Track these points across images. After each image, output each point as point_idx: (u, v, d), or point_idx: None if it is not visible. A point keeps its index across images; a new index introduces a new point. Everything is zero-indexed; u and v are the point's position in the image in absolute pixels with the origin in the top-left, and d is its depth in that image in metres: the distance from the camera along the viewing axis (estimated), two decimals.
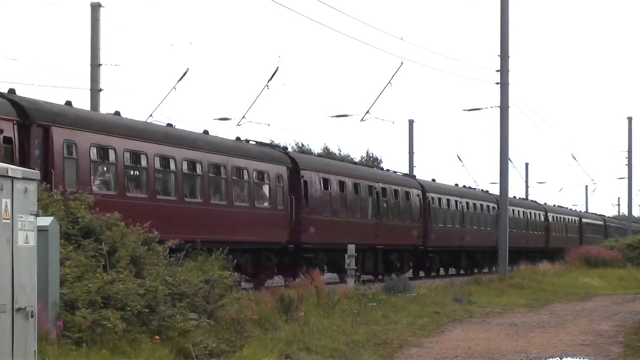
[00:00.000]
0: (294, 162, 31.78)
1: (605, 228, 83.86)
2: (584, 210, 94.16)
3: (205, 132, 28.62)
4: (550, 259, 56.43)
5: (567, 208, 76.12)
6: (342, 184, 34.75)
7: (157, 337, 13.58)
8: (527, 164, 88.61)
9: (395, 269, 37.98)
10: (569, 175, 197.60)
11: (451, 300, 26.99)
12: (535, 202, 65.33)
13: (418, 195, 41.82)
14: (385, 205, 38.16)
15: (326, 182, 33.45)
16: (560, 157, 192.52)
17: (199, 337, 14.10)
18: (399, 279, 29.89)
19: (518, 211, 56.27)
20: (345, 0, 37.88)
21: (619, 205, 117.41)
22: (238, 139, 30.32)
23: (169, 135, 25.74)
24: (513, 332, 19.84)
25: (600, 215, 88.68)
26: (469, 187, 53.64)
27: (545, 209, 63.88)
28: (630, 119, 71.91)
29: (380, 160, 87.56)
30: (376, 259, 36.67)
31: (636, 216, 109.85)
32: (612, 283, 40.37)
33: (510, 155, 40.03)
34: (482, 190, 55.64)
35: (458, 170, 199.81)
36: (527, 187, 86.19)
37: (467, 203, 48.48)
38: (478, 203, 50.35)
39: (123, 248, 15.02)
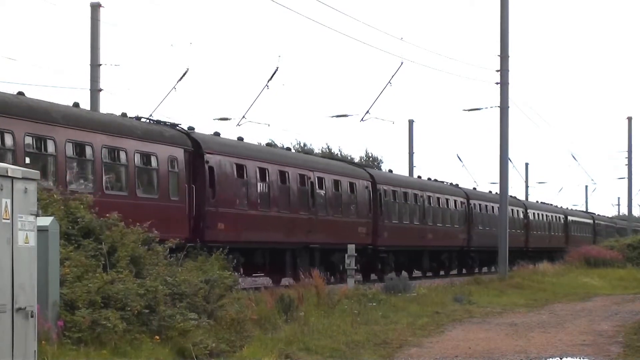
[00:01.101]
0: (195, 144, 26.51)
1: (594, 227, 79.35)
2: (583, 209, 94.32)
3: (76, 105, 23.97)
4: (530, 259, 54.51)
5: (551, 205, 71.40)
6: (263, 172, 29.61)
7: (157, 337, 13.58)
8: (527, 164, 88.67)
9: (338, 271, 33.29)
10: (569, 175, 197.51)
11: (451, 300, 26.99)
12: (515, 197, 60.15)
13: (367, 187, 36.97)
14: (322, 197, 33.23)
15: (241, 168, 28.34)
16: (560, 157, 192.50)
17: (199, 337, 14.10)
18: (398, 278, 29.85)
19: (493, 207, 51.79)
20: (345, 0, 37.90)
21: (619, 205, 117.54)
22: (124, 115, 25.48)
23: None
24: (513, 332, 19.84)
25: (589, 213, 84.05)
26: (435, 180, 48.92)
27: (525, 205, 60.29)
28: (630, 119, 71.92)
29: (381, 160, 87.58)
30: (312, 259, 31.49)
31: (636, 216, 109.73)
32: (612, 283, 40.37)
33: (510, 155, 40.09)
34: (451, 183, 51.43)
35: (458, 170, 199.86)
36: (527, 187, 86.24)
37: (430, 197, 43.74)
38: (443, 197, 45.59)
39: (123, 248, 15.02)
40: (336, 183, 34.60)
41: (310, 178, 32.49)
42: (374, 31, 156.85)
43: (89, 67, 34.45)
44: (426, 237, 42.41)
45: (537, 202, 68.23)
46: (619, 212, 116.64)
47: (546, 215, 63.64)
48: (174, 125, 26.88)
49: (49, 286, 12.30)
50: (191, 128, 27.51)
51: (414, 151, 61.25)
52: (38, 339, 10.57)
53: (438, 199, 44.83)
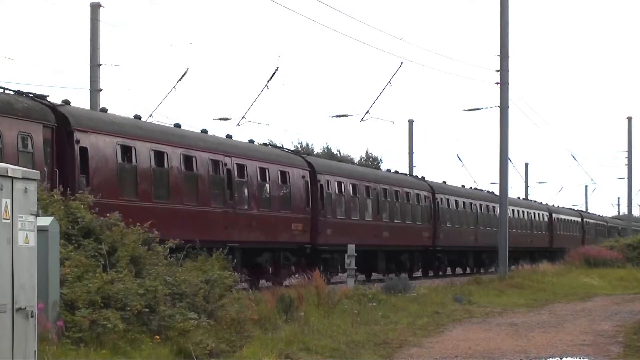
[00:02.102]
0: (63, 119, 21.75)
1: (583, 225, 73.65)
2: (584, 209, 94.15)
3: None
4: (510, 260, 52.18)
5: (534, 201, 67.11)
6: (160, 156, 24.75)
7: (157, 337, 13.58)
8: (527, 164, 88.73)
9: (267, 273, 29.77)
10: (569, 175, 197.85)
11: (451, 300, 26.99)
12: (492, 193, 55.86)
13: (304, 177, 32.22)
14: (243, 188, 28.34)
15: (128, 151, 23.68)
16: (560, 157, 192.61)
17: (199, 337, 14.10)
18: (398, 278, 29.85)
19: (463, 202, 48.28)
20: (345, 0, 37.90)
21: (618, 205, 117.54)
22: None
23: None
24: (513, 332, 19.84)
25: (577, 210, 78.51)
26: (396, 172, 44.42)
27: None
28: (630, 119, 71.92)
29: (381, 160, 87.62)
30: (233, 258, 24.33)
31: (636, 216, 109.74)
32: (612, 283, 40.36)
33: (510, 155, 40.09)
34: (416, 176, 47.43)
35: (458, 170, 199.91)
36: (527, 187, 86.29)
37: (386, 190, 38.93)
38: (403, 190, 40.85)
39: (123, 248, 15.02)
40: (262, 171, 29.53)
41: (226, 165, 27.35)
42: (374, 31, 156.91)
43: (89, 67, 34.46)
44: (381, 236, 37.63)
45: (518, 198, 64.09)
46: (619, 212, 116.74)
47: (527, 212, 59.16)
48: (38, 97, 22.16)
49: (49, 286, 12.30)
50: (66, 101, 23.07)
51: (414, 151, 61.28)
52: (38, 339, 10.56)
53: (396, 192, 39.91)
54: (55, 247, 12.68)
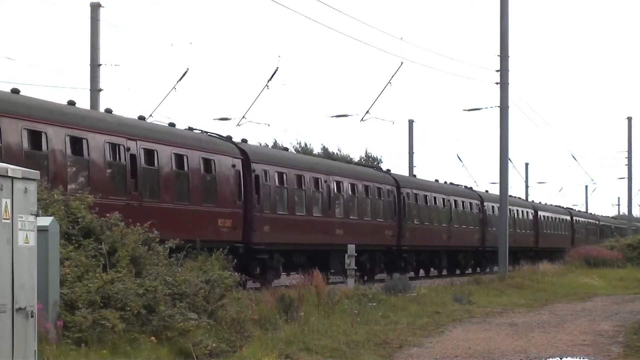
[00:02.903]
0: None
1: (572, 224, 69.70)
2: (583, 209, 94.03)
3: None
4: (488, 262, 49.17)
5: (518, 198, 63.00)
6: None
7: (157, 337, 13.57)
8: (527, 164, 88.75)
9: None
10: (569, 175, 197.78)
11: (451, 300, 27.00)
12: (470, 189, 52.39)
13: (234, 165, 28.04)
14: (152, 178, 24.30)
15: None
16: (560, 157, 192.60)
17: (199, 337, 14.10)
18: (399, 278, 29.83)
19: (435, 198, 44.13)
20: (345, 0, 37.90)
21: (619, 205, 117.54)
22: None
23: None
24: (513, 332, 19.84)
25: (566, 208, 73.77)
26: (352, 162, 41.30)
27: (481, 197, 51.37)
28: (630, 119, 71.92)
29: (380, 160, 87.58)
30: None
31: (636, 216, 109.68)
32: (612, 283, 40.39)
33: (510, 155, 40.07)
34: (375, 167, 42.84)
35: (458, 170, 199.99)
36: (527, 187, 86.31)
37: (340, 183, 34.84)
38: (360, 184, 36.60)
39: (123, 248, 15.02)
40: (179, 159, 25.52)
41: (130, 149, 23.40)
42: (374, 31, 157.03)
43: (89, 67, 34.47)
44: (333, 234, 33.77)
45: (515, 197, 59.81)
46: (619, 212, 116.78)
47: (510, 209, 52.56)
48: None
49: (49, 286, 12.30)
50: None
51: (414, 151, 61.31)
52: (38, 339, 10.56)
53: (352, 185, 35.85)
54: (55, 247, 12.68)
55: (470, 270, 48.03)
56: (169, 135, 25.79)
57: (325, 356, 15.40)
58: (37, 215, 10.43)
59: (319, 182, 33.29)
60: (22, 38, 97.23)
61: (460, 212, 47.39)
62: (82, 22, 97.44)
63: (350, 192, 35.75)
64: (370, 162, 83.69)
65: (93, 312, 12.86)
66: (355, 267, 28.18)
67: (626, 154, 72.64)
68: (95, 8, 34.14)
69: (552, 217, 63.99)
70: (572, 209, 75.63)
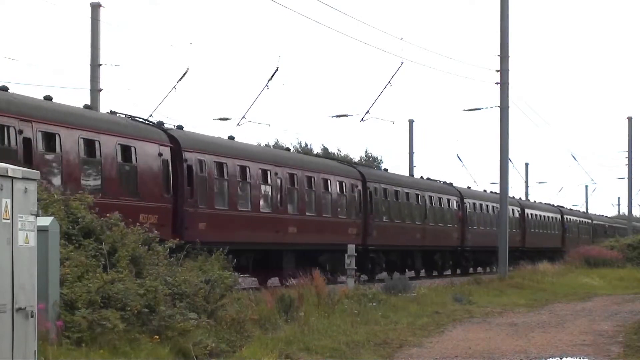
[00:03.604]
0: None
1: (563, 222, 66.43)
2: (583, 210, 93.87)
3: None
4: (468, 262, 47.14)
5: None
6: None
7: (157, 337, 13.57)
8: (527, 164, 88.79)
9: None
10: (569, 175, 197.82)
11: (451, 300, 27.00)
12: (450, 184, 49.04)
13: (161, 154, 24.73)
14: (54, 165, 21.26)
15: None
16: (560, 157, 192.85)
17: (199, 337, 14.10)
18: (399, 278, 29.85)
19: (407, 194, 40.85)
20: (345, 0, 37.90)
21: (619, 205, 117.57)
22: None
23: None
24: (513, 332, 19.84)
25: (557, 206, 70.08)
26: (311, 153, 37.20)
27: (460, 193, 47.94)
28: (630, 119, 71.96)
29: (381, 160, 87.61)
30: None
31: (637, 216, 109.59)
32: (612, 283, 40.38)
33: (510, 155, 40.05)
34: (339, 159, 39.34)
35: (458, 170, 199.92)
36: (527, 187, 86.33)
37: (294, 176, 31.46)
38: (319, 177, 33.16)
39: (123, 248, 15.02)
40: (89, 145, 22.28)
41: (22, 132, 20.13)
42: (374, 31, 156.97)
43: (89, 67, 34.48)
44: (286, 232, 30.52)
45: (485, 191, 56.16)
46: (619, 212, 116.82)
47: (493, 206, 50.93)
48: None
49: (49, 286, 12.29)
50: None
51: (414, 151, 61.30)
52: (38, 339, 10.56)
53: (310, 179, 32.42)
54: (55, 247, 12.68)
55: (449, 272, 45.67)
56: (75, 117, 22.56)
57: (325, 356, 15.40)
58: (37, 215, 10.43)
59: (268, 174, 29.87)
60: (22, 38, 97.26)
61: (437, 209, 44.17)
62: (82, 22, 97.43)
63: (306, 186, 32.24)
64: (371, 162, 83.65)
65: (93, 312, 12.85)
66: (355, 268, 28.11)
67: (626, 154, 72.71)
68: (95, 8, 34.18)
69: (540, 215, 60.99)
70: (562, 207, 72.38)
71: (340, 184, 34.98)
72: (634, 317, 23.65)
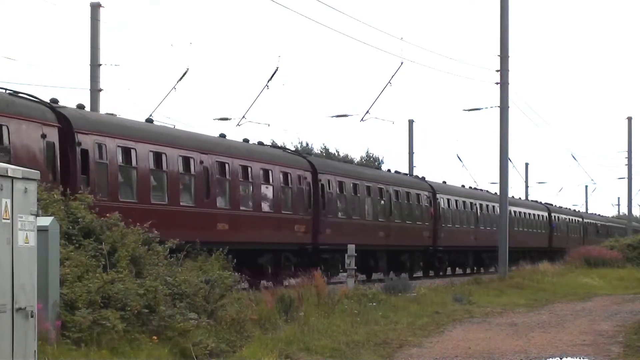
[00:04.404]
0: None
1: (550, 221, 62.73)
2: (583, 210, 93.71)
3: None
4: (442, 263, 43.88)
5: (486, 191, 55.75)
6: None
7: (157, 337, 13.58)
8: (527, 164, 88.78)
9: None
10: (569, 175, 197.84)
11: (451, 300, 27.00)
12: (422, 178, 45.64)
13: (45, 136, 20.95)
14: None
15: None
16: (560, 157, 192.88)
17: (198, 337, 14.11)
18: (399, 278, 29.85)
19: (368, 188, 36.83)
20: (345, 0, 37.89)
21: (619, 205, 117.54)
22: None
23: None
24: (513, 332, 19.84)
25: (545, 204, 65.92)
26: (262, 144, 32.25)
27: (433, 188, 44.21)
28: (630, 119, 71.98)
29: (382, 160, 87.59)
30: None
31: (637, 216, 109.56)
32: (612, 283, 40.38)
33: (510, 155, 40.05)
34: (286, 149, 34.71)
35: (458, 170, 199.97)
36: (527, 187, 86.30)
37: (226, 166, 27.44)
38: (257, 167, 29.13)
39: (123, 248, 15.03)
40: None
41: None
42: (374, 31, 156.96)
43: (89, 67, 34.48)
44: (214, 229, 26.43)
45: (462, 186, 52.21)
46: (619, 212, 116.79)
47: (471, 203, 48.14)
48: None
49: (49, 286, 12.30)
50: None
51: (414, 151, 61.31)
52: (38, 339, 10.56)
53: (246, 169, 28.53)
54: (55, 247, 12.68)
55: (420, 274, 42.28)
56: None
57: (325, 356, 15.40)
58: (37, 215, 10.43)
59: (191, 162, 25.99)
60: (22, 38, 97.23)
61: (404, 206, 40.20)
62: (82, 22, 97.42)
63: (241, 177, 28.28)
64: (372, 162, 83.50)
65: (93, 312, 12.86)
66: (355, 268, 28.11)
67: (626, 154, 72.71)
68: (95, 8, 34.18)
69: (525, 213, 57.01)
70: (550, 204, 68.00)
71: (285, 175, 30.85)
72: (634, 317, 23.64)
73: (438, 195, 44.16)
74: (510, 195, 58.72)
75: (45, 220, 12.28)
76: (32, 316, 10.19)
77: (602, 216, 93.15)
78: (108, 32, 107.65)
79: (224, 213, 27.18)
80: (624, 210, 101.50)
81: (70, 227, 14.89)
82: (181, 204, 25.39)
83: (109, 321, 12.79)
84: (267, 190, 29.93)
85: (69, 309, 12.79)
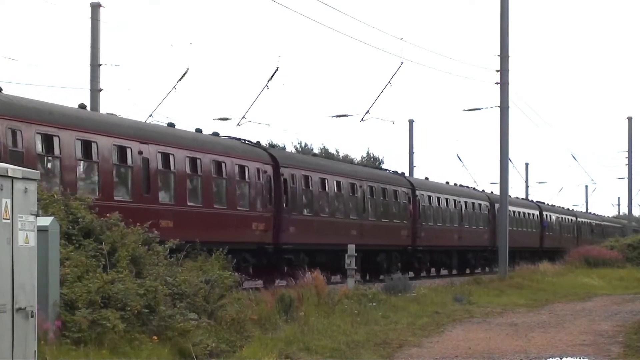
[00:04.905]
0: None
1: (542, 220, 60.10)
2: (583, 210, 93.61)
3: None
4: (422, 264, 41.14)
5: (472, 188, 52.88)
6: None
7: (157, 337, 13.58)
8: (527, 164, 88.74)
9: None
10: (569, 175, 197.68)
11: (451, 300, 27.01)
12: (402, 175, 43.43)
13: None
14: None
15: None
16: (560, 157, 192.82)
17: (199, 337, 14.11)
18: (399, 278, 29.84)
19: (339, 183, 34.03)
20: (345, 0, 37.89)
21: (619, 205, 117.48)
22: None
23: None
24: (513, 332, 19.84)
25: (536, 202, 63.65)
26: (217, 134, 29.14)
27: (412, 184, 41.47)
28: (630, 119, 71.98)
29: (382, 160, 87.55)
30: None
31: (637, 216, 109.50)
32: (612, 283, 40.39)
33: (510, 155, 40.04)
34: (246, 141, 30.53)
35: (458, 170, 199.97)
36: (527, 187, 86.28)
37: (169, 156, 24.64)
38: (207, 158, 26.41)
39: (123, 248, 15.03)
40: None
41: None
42: (374, 31, 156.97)
43: (89, 67, 34.48)
44: (157, 226, 21.03)
45: (447, 183, 49.66)
46: (619, 212, 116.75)
47: (455, 200, 45.62)
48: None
49: (49, 286, 12.30)
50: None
51: (414, 151, 61.29)
52: (38, 339, 10.56)
53: (195, 161, 25.75)
54: (55, 247, 12.68)
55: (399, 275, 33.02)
56: None
57: (325, 356, 15.40)
58: (37, 215, 10.43)
59: (129, 153, 23.38)
60: (22, 38, 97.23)
61: (380, 203, 37.56)
62: (82, 22, 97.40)
63: (188, 170, 25.50)
64: (371, 162, 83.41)
65: (93, 312, 12.86)
66: (355, 268, 28.14)
67: (626, 154, 72.71)
68: (95, 8, 34.17)
69: (514, 212, 53.48)
70: (542, 202, 65.79)
71: (242, 168, 28.12)
72: (634, 317, 23.65)
73: (418, 192, 41.44)
74: (522, 195, 57.11)
75: (45, 220, 12.28)
76: (32, 316, 10.19)
77: (598, 215, 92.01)
78: (108, 32, 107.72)
79: (167, 209, 24.39)
80: (624, 210, 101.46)
81: (70, 227, 14.89)
82: (115, 199, 22.51)
83: (109, 321, 12.79)
84: (220, 185, 27.16)
85: (69, 309, 12.79)
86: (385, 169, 44.24)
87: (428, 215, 42.25)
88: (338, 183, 34.25)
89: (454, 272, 45.94)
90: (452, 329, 20.43)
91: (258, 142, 31.61)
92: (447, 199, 45.05)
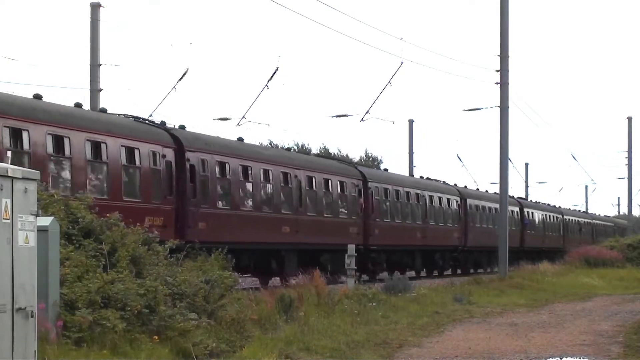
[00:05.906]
0: None
1: (522, 217, 55.98)
2: (583, 209, 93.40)
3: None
4: (376, 265, 36.67)
5: (442, 182, 48.14)
6: None
7: (157, 337, 13.58)
8: (527, 164, 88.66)
9: None
10: (569, 175, 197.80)
11: (451, 300, 27.01)
12: (350, 163, 41.86)
13: None
14: None
15: None
16: (560, 157, 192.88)
17: (199, 337, 14.11)
18: (399, 278, 29.82)
19: (268, 172, 29.93)
20: (345, 0, 37.88)
21: (619, 205, 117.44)
22: None
23: None
24: (513, 332, 19.84)
25: (517, 198, 58.81)
26: (122, 115, 25.87)
27: (364, 175, 37.12)
28: (630, 119, 71.96)
29: (381, 160, 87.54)
30: None
31: (637, 216, 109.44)
32: (612, 283, 40.38)
33: (510, 155, 40.05)
34: (138, 118, 26.86)
35: (458, 170, 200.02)
36: (527, 187, 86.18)
37: (62, 139, 21.29)
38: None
39: (123, 248, 15.02)
40: None
41: None
42: (374, 31, 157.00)
43: (89, 67, 34.47)
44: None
45: (421, 177, 46.92)
46: (619, 212, 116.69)
47: (417, 194, 41.51)
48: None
49: (49, 286, 12.29)
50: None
51: (414, 151, 61.29)
52: (38, 339, 10.56)
53: (61, 140, 21.41)
54: (55, 247, 12.67)
55: (343, 279, 30.01)
56: None
57: (325, 356, 15.40)
58: (37, 215, 10.43)
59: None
60: (22, 38, 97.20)
61: (322, 195, 33.20)
62: (82, 22, 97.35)
63: (52, 150, 21.08)
64: (371, 162, 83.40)
65: (93, 312, 12.86)
66: (355, 268, 28.11)
67: (626, 154, 72.68)
68: (95, 8, 34.17)
69: (489, 208, 49.42)
70: (523, 198, 62.43)
71: (130, 151, 23.88)
72: (634, 317, 23.64)
73: (370, 184, 36.72)
74: (473, 188, 52.68)
75: (45, 220, 12.27)
76: (32, 316, 10.19)
77: (588, 213, 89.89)
78: (108, 32, 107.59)
79: (123, 206, 21.47)
80: (624, 210, 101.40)
81: (70, 227, 14.88)
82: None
83: (109, 321, 12.79)
84: (98, 170, 22.72)
85: (69, 309, 12.78)
86: (335, 158, 40.57)
87: (383, 211, 37.71)
88: (265, 172, 29.79)
89: (422, 274, 42.40)
90: (452, 329, 20.43)
91: (163, 122, 27.14)
92: (407, 193, 40.37)
